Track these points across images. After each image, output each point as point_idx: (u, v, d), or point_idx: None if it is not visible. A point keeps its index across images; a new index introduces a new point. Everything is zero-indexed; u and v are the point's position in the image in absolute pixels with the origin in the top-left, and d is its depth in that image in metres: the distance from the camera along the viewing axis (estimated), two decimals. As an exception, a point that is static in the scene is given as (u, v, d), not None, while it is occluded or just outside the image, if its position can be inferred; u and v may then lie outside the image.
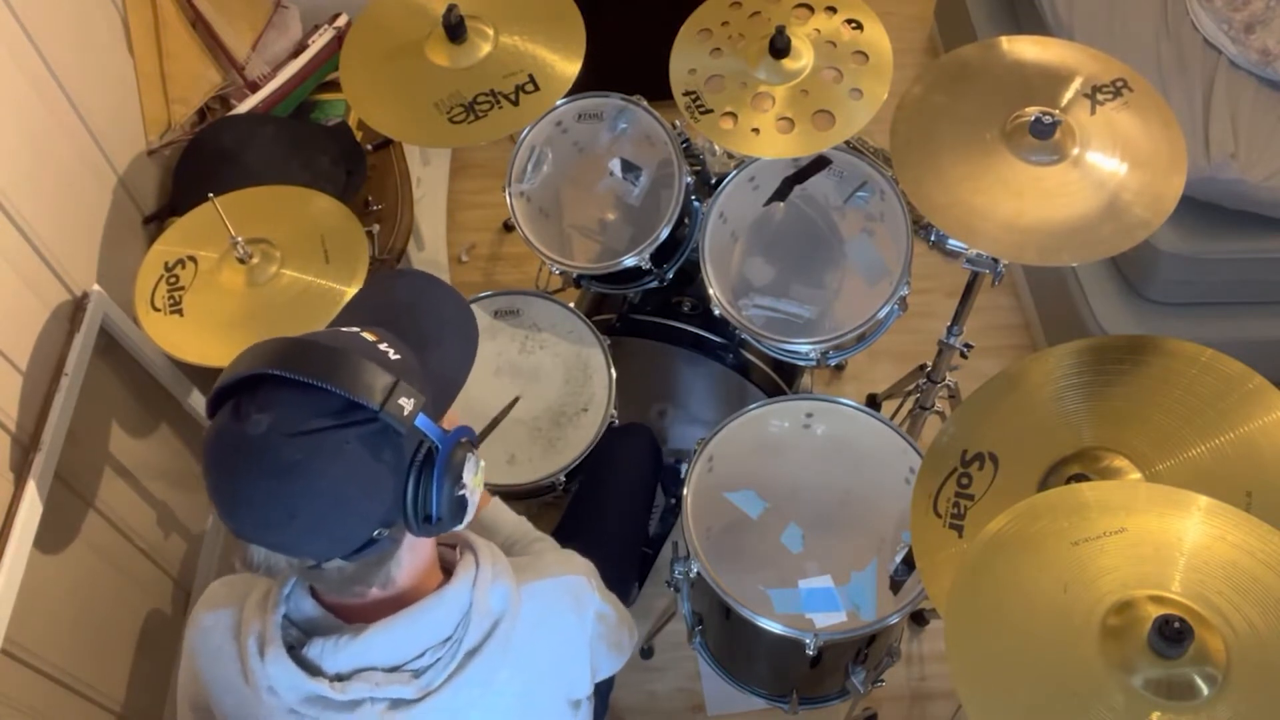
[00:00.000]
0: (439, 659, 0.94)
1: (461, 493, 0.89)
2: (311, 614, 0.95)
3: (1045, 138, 1.34)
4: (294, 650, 0.93)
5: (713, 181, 1.83)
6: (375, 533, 0.86)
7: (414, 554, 0.94)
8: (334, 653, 0.92)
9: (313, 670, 0.92)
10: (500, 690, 0.98)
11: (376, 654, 0.93)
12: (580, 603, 1.09)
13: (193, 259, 1.54)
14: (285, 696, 0.92)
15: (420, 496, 0.86)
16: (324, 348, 0.85)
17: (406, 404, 0.84)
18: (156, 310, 1.50)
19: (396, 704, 0.93)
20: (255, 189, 1.64)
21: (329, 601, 0.96)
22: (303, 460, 0.81)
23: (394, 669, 0.93)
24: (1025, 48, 1.45)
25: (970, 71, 1.44)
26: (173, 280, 1.52)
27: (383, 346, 0.89)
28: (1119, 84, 1.39)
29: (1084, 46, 1.45)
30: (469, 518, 0.92)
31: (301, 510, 0.83)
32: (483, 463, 0.94)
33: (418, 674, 0.93)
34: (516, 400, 1.64)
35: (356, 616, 0.94)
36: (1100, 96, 1.39)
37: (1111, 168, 1.34)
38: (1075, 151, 1.35)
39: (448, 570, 1.00)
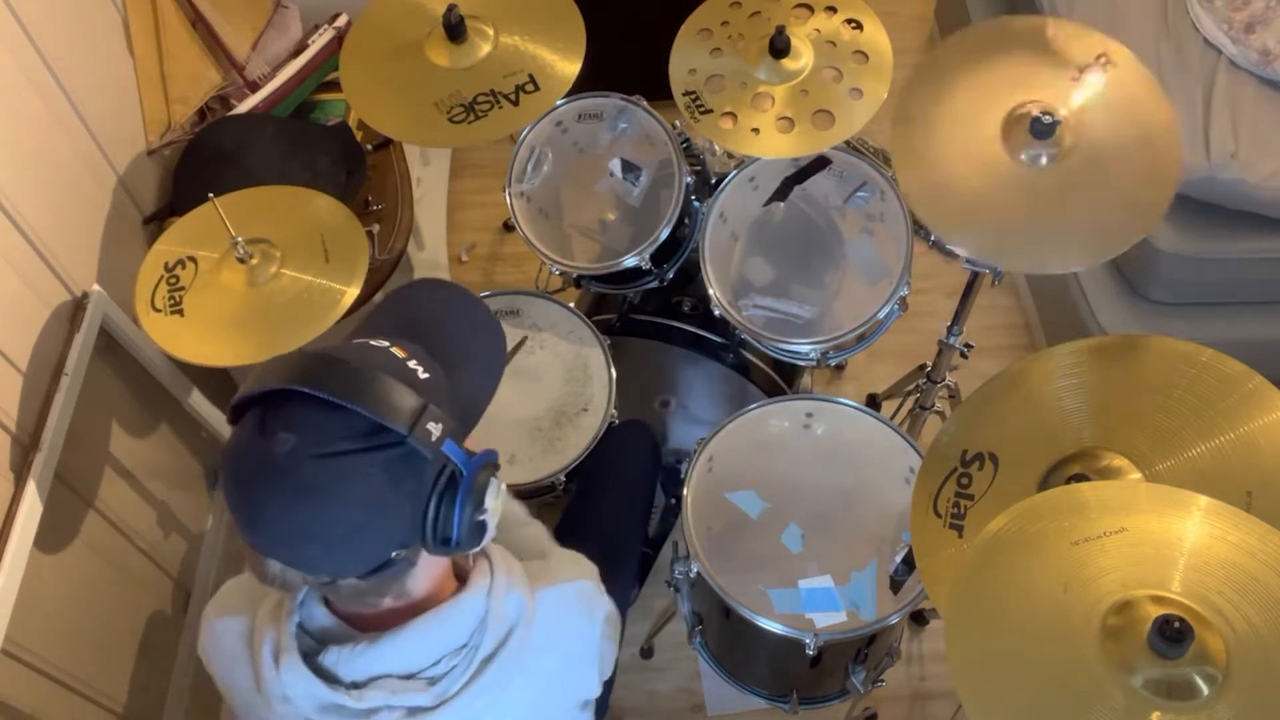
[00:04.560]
0: (455, 666, 0.94)
1: (482, 518, 0.89)
2: (325, 623, 0.95)
3: (1045, 137, 1.34)
4: (309, 658, 0.93)
5: (713, 181, 1.83)
6: (393, 554, 0.86)
7: (429, 568, 0.93)
8: (350, 660, 0.91)
9: (329, 678, 0.92)
10: (514, 696, 0.98)
11: (392, 661, 0.92)
12: (591, 607, 1.09)
13: (193, 259, 1.54)
14: (301, 705, 0.92)
15: (440, 521, 0.86)
16: (354, 367, 0.84)
17: (434, 429, 0.83)
18: (157, 311, 1.49)
19: (413, 711, 0.92)
20: (255, 189, 1.64)
21: (342, 611, 0.95)
22: (326, 482, 0.81)
23: (409, 676, 0.93)
24: (1004, 34, 1.43)
25: (957, 72, 1.43)
26: (173, 280, 1.52)
27: (412, 364, 0.88)
28: (1101, 59, 1.39)
29: (1059, 21, 1.43)
30: (487, 540, 0.92)
31: (321, 531, 0.82)
32: (504, 486, 0.93)
33: (433, 681, 0.93)
34: (524, 340, 1.62)
35: (370, 625, 0.94)
36: (1086, 73, 1.38)
37: (1111, 153, 1.32)
38: (1071, 142, 1.34)
39: (460, 575, 0.99)
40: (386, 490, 0.83)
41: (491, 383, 1.00)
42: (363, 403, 0.81)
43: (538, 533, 1.32)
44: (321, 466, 0.81)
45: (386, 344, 0.90)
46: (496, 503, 0.91)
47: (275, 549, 0.85)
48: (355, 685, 0.92)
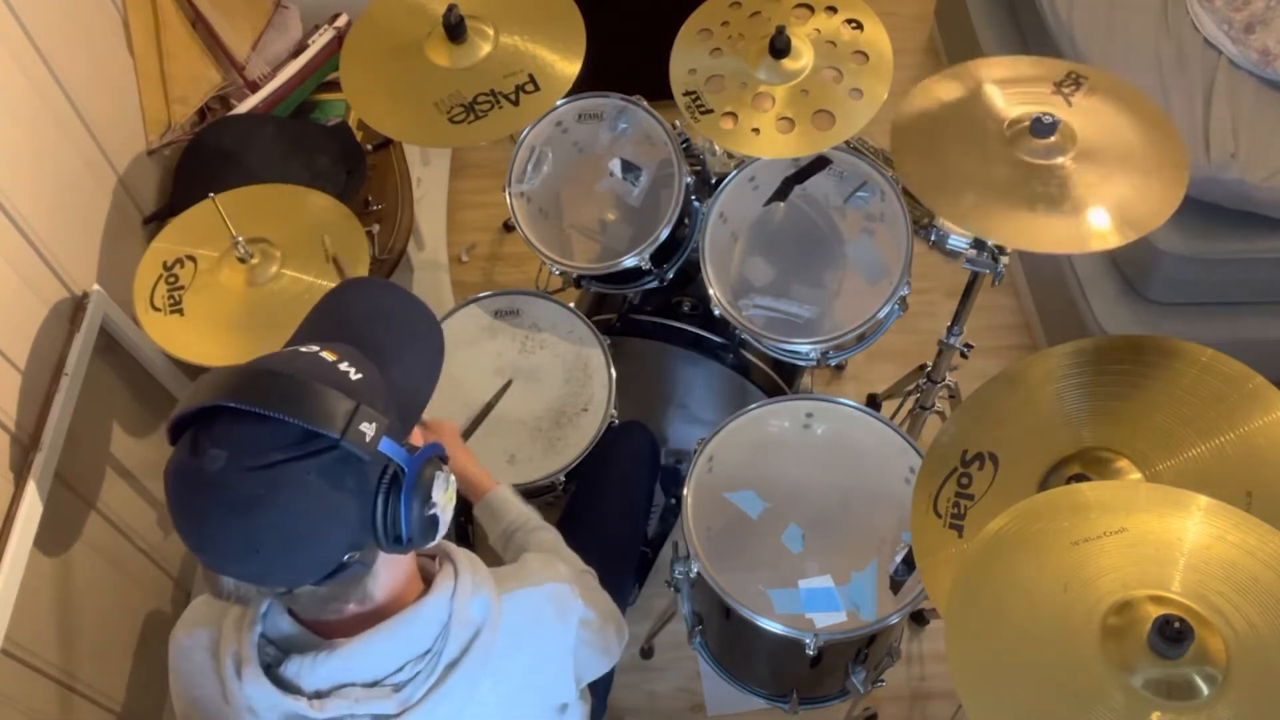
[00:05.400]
0: (418, 672, 0.93)
1: (432, 512, 0.88)
2: (288, 631, 0.94)
3: (1046, 136, 1.34)
4: (271, 669, 0.92)
5: (713, 181, 1.83)
6: (345, 557, 0.85)
7: (391, 569, 0.93)
8: (311, 670, 0.91)
9: (290, 689, 0.91)
10: (482, 701, 0.97)
11: (355, 669, 0.91)
12: (564, 610, 1.08)
13: (192, 258, 1.54)
14: (265, 716, 0.91)
15: (389, 519, 0.85)
16: (280, 375, 0.83)
17: (368, 429, 0.82)
18: (156, 310, 1.50)
19: (377, 719, 0.92)
20: (255, 188, 1.64)
21: (306, 619, 0.95)
22: (263, 494, 0.80)
23: (373, 684, 0.92)
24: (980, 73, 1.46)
25: (947, 107, 1.45)
26: (172, 280, 1.52)
27: (343, 366, 0.87)
28: (1073, 76, 1.40)
29: (1018, 58, 1.47)
30: (441, 534, 0.91)
31: (265, 543, 0.82)
32: (453, 478, 0.93)
33: (397, 688, 0.92)
34: (509, 385, 1.65)
35: (334, 632, 0.93)
36: (1065, 90, 1.39)
37: (1114, 162, 1.34)
38: (1075, 150, 1.35)
39: (428, 580, 0.98)
40: (326, 495, 0.82)
41: (431, 375, 0.99)
42: (290, 411, 0.80)
43: (555, 538, 1.32)
44: (256, 479, 0.80)
45: (316, 348, 0.89)
46: (446, 495, 0.90)
47: (225, 565, 0.84)
48: (318, 695, 0.91)
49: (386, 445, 0.84)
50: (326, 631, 0.94)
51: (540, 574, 1.09)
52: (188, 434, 0.84)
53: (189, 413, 0.83)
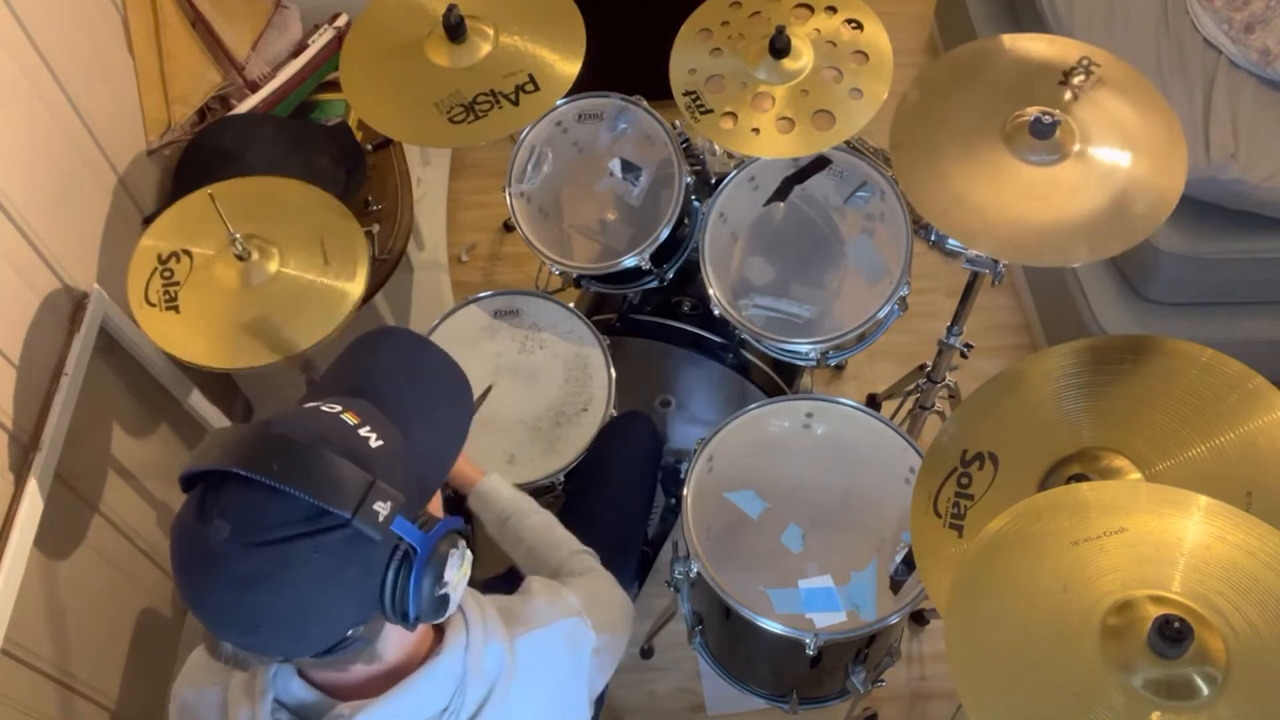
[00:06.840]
0: None
1: (443, 591, 0.85)
2: (302, 696, 0.91)
3: (1045, 137, 1.34)
4: None
5: (713, 181, 1.83)
6: (349, 632, 0.82)
7: (400, 631, 0.89)
8: None
9: None
10: None
11: None
12: (576, 645, 1.07)
13: (187, 253, 1.52)
14: None
15: (397, 598, 0.82)
16: (294, 444, 0.80)
17: (382, 509, 0.79)
18: (151, 305, 1.48)
19: None
20: (253, 178, 1.64)
21: (318, 680, 0.92)
22: (267, 571, 0.77)
23: None
24: (999, 47, 1.45)
25: (958, 79, 1.44)
26: (167, 274, 1.50)
27: (364, 431, 0.84)
28: (1085, 63, 1.39)
29: (1046, 37, 1.45)
30: (451, 611, 0.88)
31: (265, 620, 0.79)
32: (469, 554, 0.89)
33: None
34: (489, 390, 1.64)
35: (349, 694, 0.90)
36: (1074, 80, 1.38)
37: (1114, 158, 1.34)
38: (1077, 147, 1.35)
39: (440, 627, 0.96)
40: (333, 574, 0.79)
41: (458, 439, 0.96)
42: (303, 485, 0.78)
43: (547, 521, 1.32)
44: (261, 555, 0.77)
45: (338, 409, 0.86)
46: (460, 573, 0.87)
47: (224, 634, 0.83)
48: None
49: (399, 525, 0.81)
50: (340, 693, 0.91)
51: (549, 611, 1.07)
52: (196, 492, 0.81)
53: (198, 472, 0.81)
